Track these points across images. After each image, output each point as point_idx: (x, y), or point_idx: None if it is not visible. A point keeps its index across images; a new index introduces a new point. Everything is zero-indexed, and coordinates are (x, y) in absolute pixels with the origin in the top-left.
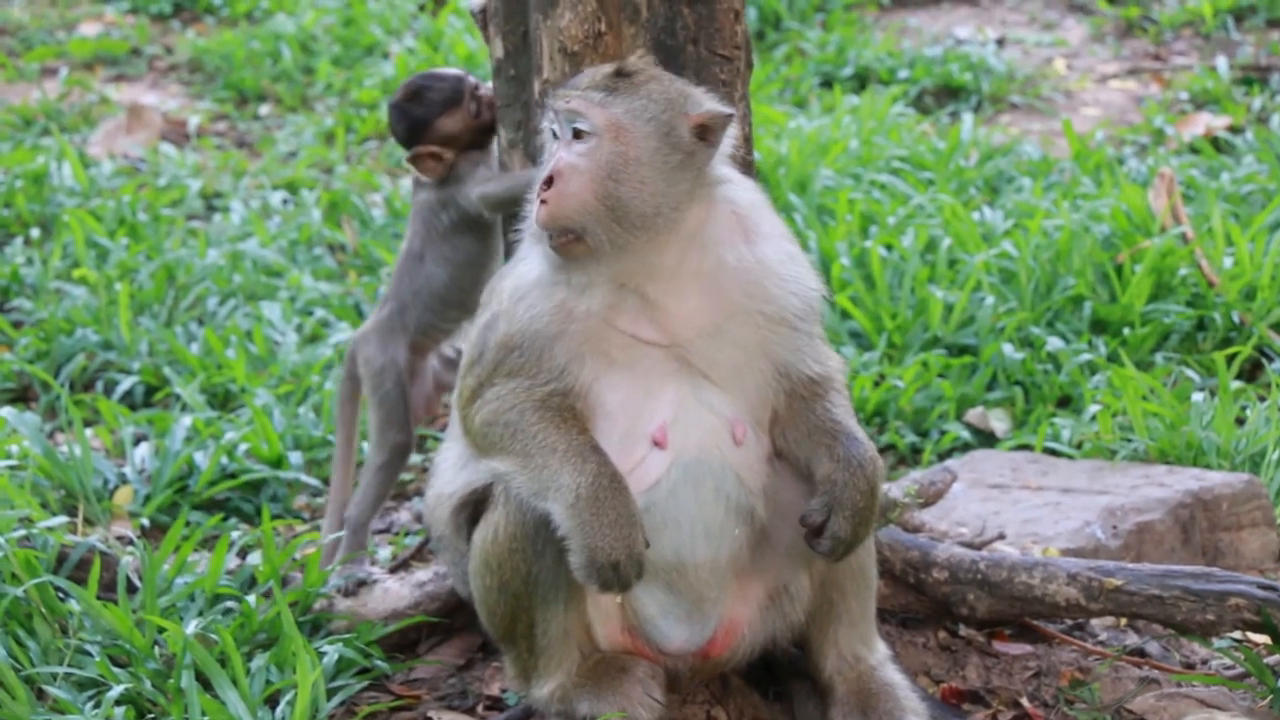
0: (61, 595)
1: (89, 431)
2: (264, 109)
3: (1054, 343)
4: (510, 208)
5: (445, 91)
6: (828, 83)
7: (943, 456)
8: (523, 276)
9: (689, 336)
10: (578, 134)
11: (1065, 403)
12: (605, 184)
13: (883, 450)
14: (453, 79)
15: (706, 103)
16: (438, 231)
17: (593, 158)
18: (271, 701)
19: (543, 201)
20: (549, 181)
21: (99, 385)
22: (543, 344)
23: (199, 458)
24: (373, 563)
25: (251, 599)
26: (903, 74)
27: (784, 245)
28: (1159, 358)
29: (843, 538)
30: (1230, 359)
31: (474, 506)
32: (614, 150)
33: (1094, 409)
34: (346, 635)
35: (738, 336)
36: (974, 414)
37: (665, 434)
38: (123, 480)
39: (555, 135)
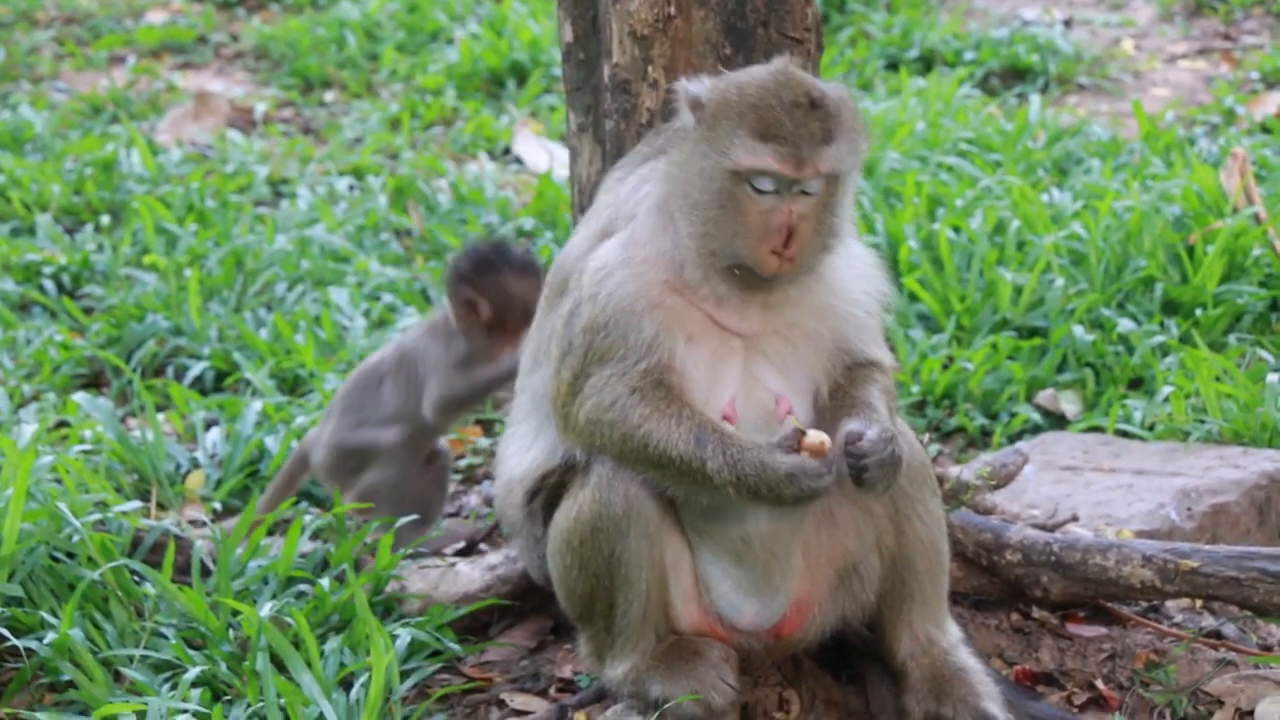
0: (137, 579)
1: (160, 416)
2: (329, 95)
3: (1125, 324)
4: (460, 412)
5: (531, 261)
6: (893, 65)
7: (1013, 439)
8: (606, 259)
9: (762, 332)
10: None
11: (1137, 384)
12: (831, 227)
13: (952, 433)
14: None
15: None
16: (405, 385)
17: (821, 204)
18: (345, 684)
19: (780, 258)
20: (787, 239)
21: (169, 370)
22: (629, 319)
23: (269, 442)
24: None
25: (325, 582)
26: (969, 56)
27: (856, 246)
28: (1232, 339)
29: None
30: None
31: (548, 491)
32: (840, 195)
33: (1166, 390)
34: (419, 618)
35: (805, 330)
36: (1044, 396)
37: (734, 410)
38: (194, 465)
39: (760, 190)
